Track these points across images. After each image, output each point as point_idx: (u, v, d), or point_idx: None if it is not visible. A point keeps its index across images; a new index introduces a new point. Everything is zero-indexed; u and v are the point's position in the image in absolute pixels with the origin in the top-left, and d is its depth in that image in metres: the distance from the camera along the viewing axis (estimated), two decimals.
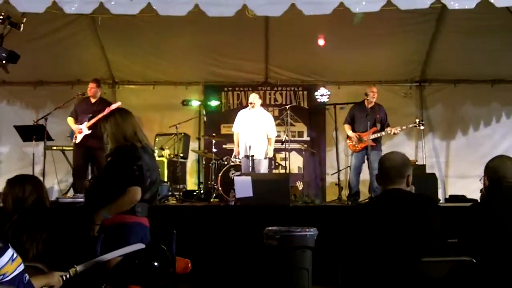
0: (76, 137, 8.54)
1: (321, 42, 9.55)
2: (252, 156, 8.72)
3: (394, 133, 8.86)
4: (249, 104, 9.09)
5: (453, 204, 7.89)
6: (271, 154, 9.20)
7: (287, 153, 9.55)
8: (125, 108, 4.49)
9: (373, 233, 3.25)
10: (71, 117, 8.72)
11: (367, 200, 8.38)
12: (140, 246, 3.70)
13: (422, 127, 9.15)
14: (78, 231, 3.93)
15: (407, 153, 10.20)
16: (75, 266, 3.35)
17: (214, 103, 10.64)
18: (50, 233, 3.76)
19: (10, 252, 2.64)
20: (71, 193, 8.92)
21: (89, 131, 8.44)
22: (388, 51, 10.01)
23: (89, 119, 8.50)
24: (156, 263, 3.68)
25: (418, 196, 3.43)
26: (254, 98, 9.11)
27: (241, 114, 9.24)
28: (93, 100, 8.79)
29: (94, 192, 4.18)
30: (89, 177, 8.79)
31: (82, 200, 7.16)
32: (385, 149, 9.05)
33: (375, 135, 8.69)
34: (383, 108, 9.02)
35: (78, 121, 8.63)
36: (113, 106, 8.97)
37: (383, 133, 8.77)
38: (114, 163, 3.99)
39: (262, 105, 9.74)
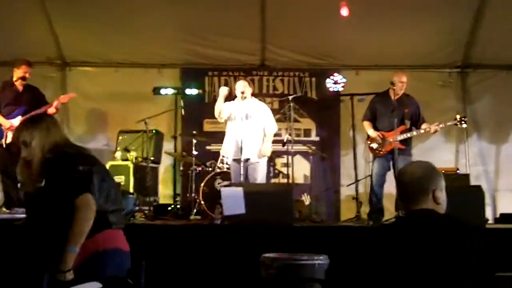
0: (7, 135, 8.51)
1: (344, 12, 9.44)
2: (247, 160, 8.73)
3: (435, 131, 8.76)
4: (239, 94, 9.02)
5: (505, 225, 7.90)
6: (268, 153, 9.09)
7: (289, 157, 9.52)
8: None
9: (397, 265, 3.23)
10: None
11: (393, 219, 8.37)
12: (96, 285, 3.68)
13: (464, 125, 8.95)
14: (17, 257, 3.90)
15: (446, 159, 10.37)
16: None
17: (194, 91, 10.61)
18: None
19: None
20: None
21: None
22: (421, 28, 10.04)
23: (24, 113, 8.49)
24: None
25: (451, 220, 3.36)
26: (245, 86, 9.05)
27: (228, 107, 9.15)
28: (20, 88, 8.77)
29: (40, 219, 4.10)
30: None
31: (21, 216, 7.11)
32: (417, 153, 9.07)
33: (404, 136, 8.64)
34: (415, 101, 8.95)
35: (3, 114, 8.62)
36: (64, 98, 8.96)
37: (414, 133, 8.71)
38: (52, 177, 3.95)
39: (256, 94, 9.71)
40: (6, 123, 8.52)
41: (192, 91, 10.56)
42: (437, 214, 3.33)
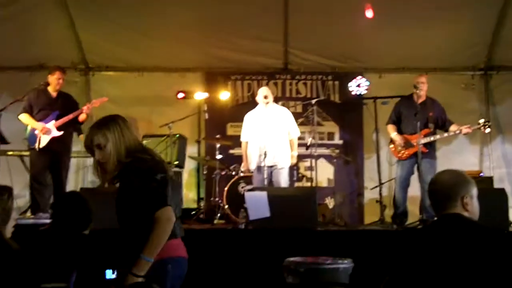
0: (40, 139, 8.60)
1: (369, 14, 9.39)
2: (272, 166, 8.79)
3: (467, 133, 8.69)
4: (262, 99, 9.09)
5: None
6: (294, 161, 9.25)
7: (313, 160, 9.52)
8: None
9: (424, 271, 3.23)
10: (25, 113, 8.76)
11: (417, 222, 8.37)
12: None
13: (488, 130, 8.86)
14: (42, 264, 3.92)
15: (470, 162, 10.28)
16: None
17: (218, 95, 10.62)
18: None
19: None
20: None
21: (60, 133, 8.53)
22: (444, 29, 10.01)
23: (57, 118, 8.60)
24: None
25: (476, 225, 3.35)
26: (268, 91, 9.16)
27: (249, 118, 9.27)
28: (54, 94, 8.87)
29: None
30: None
31: (46, 221, 7.17)
32: (441, 156, 9.03)
33: (427, 139, 8.65)
34: (438, 104, 8.95)
35: (36, 119, 8.71)
36: (96, 102, 9.00)
37: (438, 136, 8.72)
38: (129, 183, 3.91)
39: (279, 98, 9.75)
40: (39, 126, 8.61)
41: (215, 95, 10.51)
42: (462, 219, 3.35)
